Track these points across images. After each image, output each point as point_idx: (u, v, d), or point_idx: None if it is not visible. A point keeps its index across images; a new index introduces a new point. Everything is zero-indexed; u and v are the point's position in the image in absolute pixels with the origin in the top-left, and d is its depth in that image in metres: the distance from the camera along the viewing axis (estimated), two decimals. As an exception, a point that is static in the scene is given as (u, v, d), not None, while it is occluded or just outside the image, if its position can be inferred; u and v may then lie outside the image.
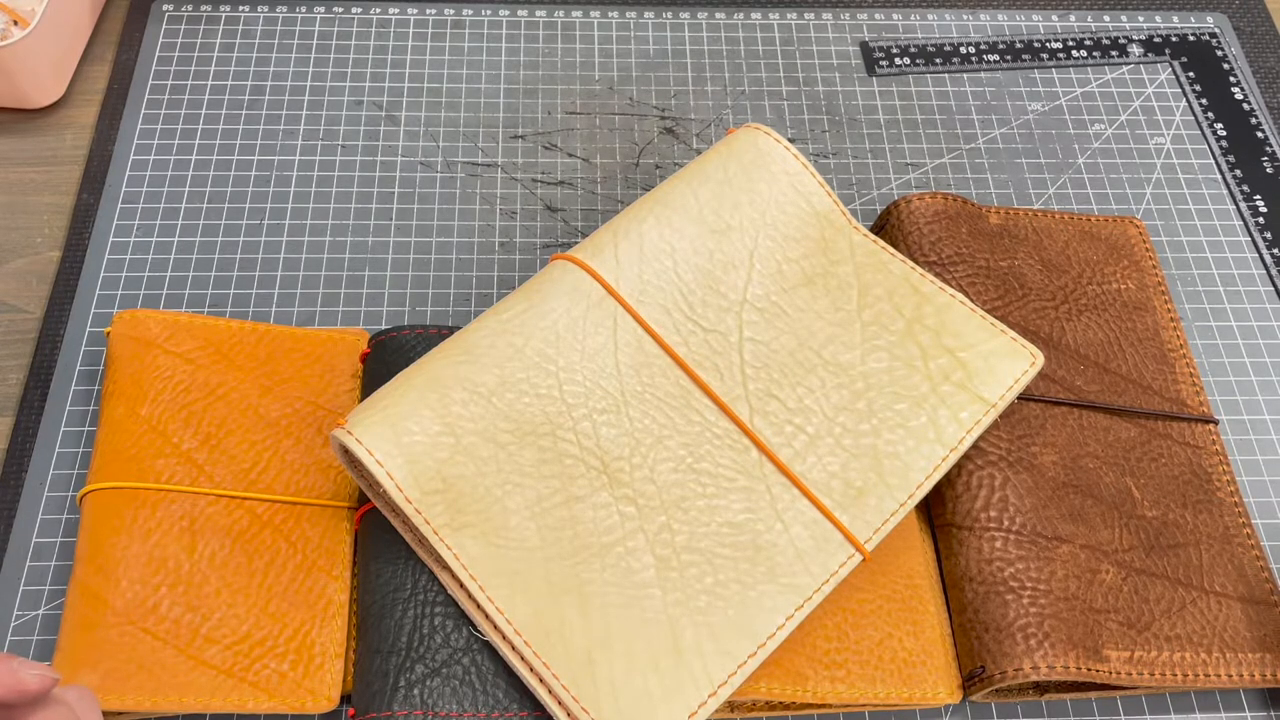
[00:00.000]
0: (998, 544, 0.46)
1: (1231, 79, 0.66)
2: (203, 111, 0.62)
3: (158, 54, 0.64)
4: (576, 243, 0.56)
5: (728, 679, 0.42)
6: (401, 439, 0.43)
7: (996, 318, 0.51)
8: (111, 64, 0.64)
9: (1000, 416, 0.49)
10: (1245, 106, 0.65)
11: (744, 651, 0.42)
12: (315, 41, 0.65)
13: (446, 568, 0.44)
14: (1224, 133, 0.64)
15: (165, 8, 0.66)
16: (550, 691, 0.42)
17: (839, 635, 0.46)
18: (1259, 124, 0.65)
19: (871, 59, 0.66)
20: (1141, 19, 0.69)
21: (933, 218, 0.55)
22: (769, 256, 0.51)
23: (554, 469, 0.45)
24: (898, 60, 0.66)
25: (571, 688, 0.41)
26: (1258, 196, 0.62)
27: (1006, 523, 0.47)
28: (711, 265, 0.50)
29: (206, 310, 0.55)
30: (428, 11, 0.66)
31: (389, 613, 0.44)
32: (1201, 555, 0.49)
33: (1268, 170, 0.63)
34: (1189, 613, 0.47)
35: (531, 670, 0.42)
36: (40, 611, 0.47)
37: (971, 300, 0.52)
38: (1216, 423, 0.53)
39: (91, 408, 0.52)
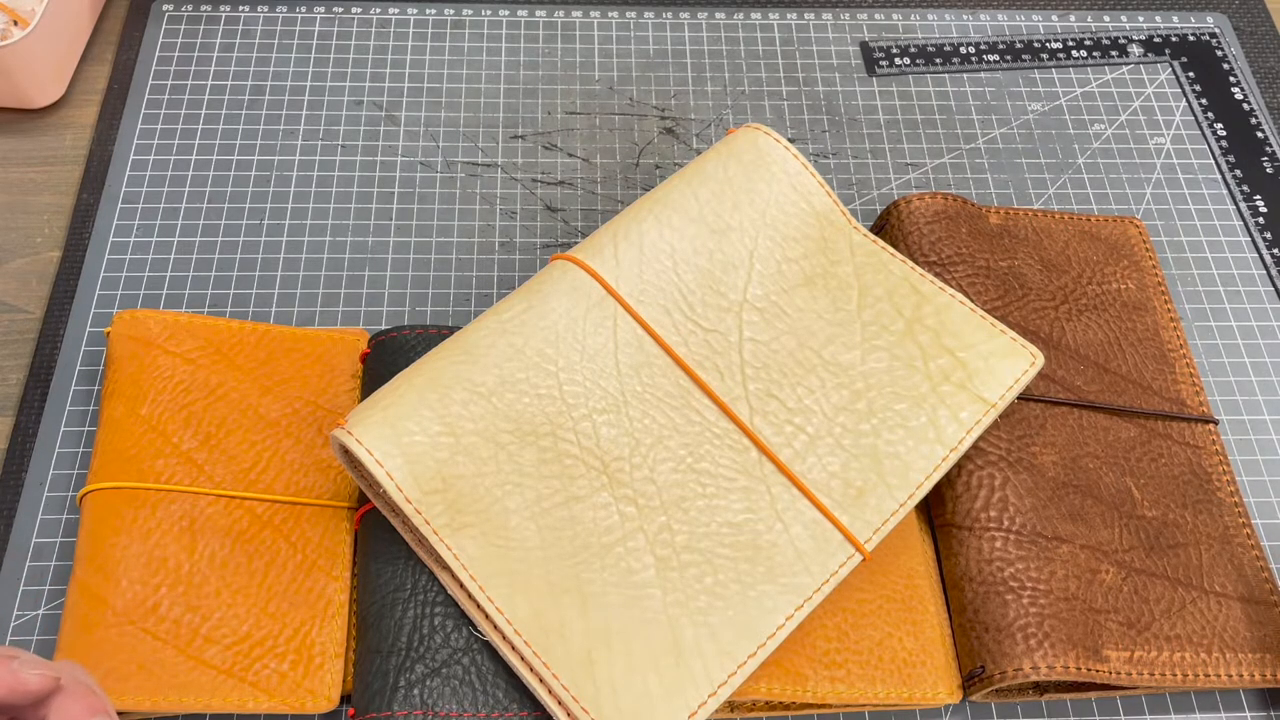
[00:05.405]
0: (998, 544, 0.46)
1: (1231, 79, 0.66)
2: (203, 111, 0.62)
3: (158, 54, 0.64)
4: (576, 243, 0.56)
5: (728, 679, 0.42)
6: (401, 439, 0.43)
7: (996, 318, 0.51)
8: (111, 64, 0.64)
9: (1000, 416, 0.49)
10: (1245, 106, 0.65)
11: (744, 651, 0.42)
12: (315, 41, 0.65)
13: (446, 568, 0.44)
14: (1224, 133, 0.64)
15: (165, 8, 0.66)
16: (550, 691, 0.42)
17: (839, 635, 0.46)
18: (1259, 124, 0.65)
19: (871, 59, 0.66)
20: (1141, 19, 0.69)
21: (933, 218, 0.55)
22: (769, 256, 0.51)
23: (554, 469, 0.45)
24: (898, 60, 0.66)
25: (571, 688, 0.41)
26: (1258, 196, 0.62)
27: (1006, 523, 0.47)
28: (711, 265, 0.50)
29: (206, 310, 0.55)
30: (428, 11, 0.66)
31: (389, 613, 0.44)
32: (1201, 555, 0.49)
33: (1268, 170, 0.63)
34: (1189, 613, 0.47)
35: (531, 670, 0.42)
36: (40, 611, 0.47)
37: (971, 300, 0.52)
38: (1216, 423, 0.53)
39: (91, 408, 0.52)
